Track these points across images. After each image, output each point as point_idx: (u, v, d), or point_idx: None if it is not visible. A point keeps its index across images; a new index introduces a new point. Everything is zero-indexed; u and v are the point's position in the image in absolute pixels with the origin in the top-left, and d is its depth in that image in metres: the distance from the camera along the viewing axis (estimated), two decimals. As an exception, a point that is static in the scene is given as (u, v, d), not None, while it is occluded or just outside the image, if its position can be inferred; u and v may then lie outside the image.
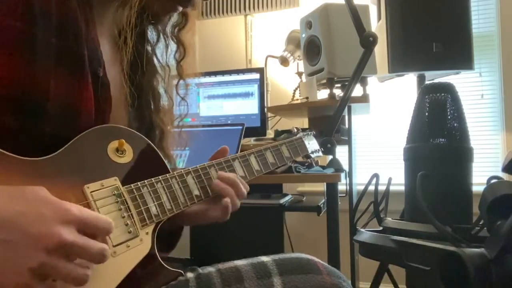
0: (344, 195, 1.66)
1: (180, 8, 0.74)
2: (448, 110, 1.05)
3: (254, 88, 2.00)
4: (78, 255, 0.46)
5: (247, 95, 2.01)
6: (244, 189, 0.76)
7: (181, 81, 0.81)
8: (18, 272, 0.42)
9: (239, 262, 0.71)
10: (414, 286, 1.11)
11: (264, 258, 0.71)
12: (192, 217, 0.77)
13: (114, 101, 0.66)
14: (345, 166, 1.63)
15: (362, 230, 1.13)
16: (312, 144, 1.01)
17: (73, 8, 0.58)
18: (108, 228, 0.49)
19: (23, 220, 0.43)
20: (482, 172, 1.94)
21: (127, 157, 0.64)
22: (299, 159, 0.98)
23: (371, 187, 1.22)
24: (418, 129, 1.08)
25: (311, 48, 1.78)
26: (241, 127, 1.77)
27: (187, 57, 0.80)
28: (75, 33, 0.58)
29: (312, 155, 1.00)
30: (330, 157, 1.59)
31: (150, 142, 0.68)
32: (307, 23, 1.78)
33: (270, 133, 1.99)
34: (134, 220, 0.60)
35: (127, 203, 0.60)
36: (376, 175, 1.23)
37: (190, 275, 0.69)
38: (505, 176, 1.35)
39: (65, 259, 0.44)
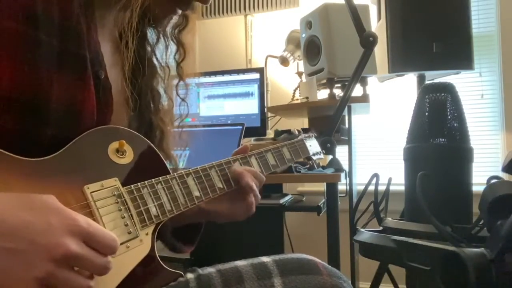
0: (344, 195, 1.66)
1: (180, 11, 0.74)
2: (448, 110, 1.05)
3: (254, 88, 2.00)
4: (82, 266, 0.46)
5: (247, 95, 2.01)
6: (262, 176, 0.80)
7: (181, 82, 0.81)
8: (24, 281, 0.42)
9: (239, 263, 0.71)
10: (414, 286, 1.11)
11: (265, 259, 0.71)
12: (218, 214, 0.79)
13: (115, 102, 0.66)
14: (345, 166, 1.63)
15: (362, 230, 1.13)
16: (313, 146, 1.01)
17: (74, 10, 0.58)
18: (113, 245, 0.48)
19: (31, 230, 0.43)
20: (482, 172, 1.95)
21: (128, 158, 0.64)
22: (300, 160, 0.98)
23: (371, 187, 1.22)
24: (418, 129, 1.08)
25: (311, 48, 1.78)
26: (241, 127, 1.77)
27: (187, 58, 0.79)
28: (76, 35, 0.58)
29: (314, 157, 1.00)
30: (330, 157, 1.59)
31: (150, 143, 0.68)
32: (307, 23, 1.78)
33: (270, 133, 1.99)
34: (134, 221, 0.60)
35: (127, 204, 0.60)
36: (376, 175, 1.23)
37: (190, 276, 0.69)
38: (505, 176, 1.35)
39: (70, 270, 0.45)
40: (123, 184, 0.61)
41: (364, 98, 1.69)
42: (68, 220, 0.45)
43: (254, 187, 0.76)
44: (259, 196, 0.79)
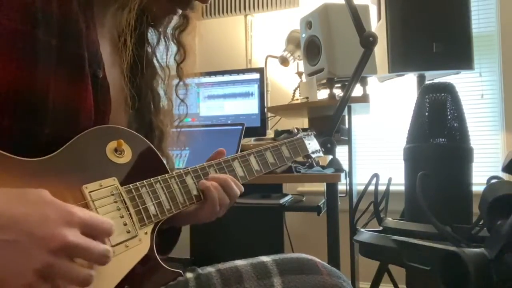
0: (344, 195, 1.66)
1: (180, 11, 0.73)
2: (448, 110, 1.05)
3: (254, 88, 2.00)
4: (82, 256, 0.46)
5: (247, 95, 2.01)
6: (237, 189, 0.75)
7: (181, 83, 0.81)
8: (23, 273, 0.42)
9: (239, 262, 0.71)
10: (414, 286, 1.11)
11: (264, 258, 0.71)
12: (183, 218, 0.75)
13: (114, 102, 0.65)
14: (345, 166, 1.63)
15: (362, 230, 1.13)
16: (312, 144, 1.01)
17: (73, 10, 0.58)
18: (110, 229, 0.49)
19: (28, 222, 0.43)
20: (482, 172, 1.94)
21: (126, 157, 0.64)
22: (300, 159, 0.98)
23: (371, 187, 1.22)
24: (418, 129, 1.08)
25: (311, 48, 1.78)
26: (241, 127, 1.77)
27: (187, 59, 0.79)
28: (75, 35, 0.58)
29: (313, 155, 1.00)
30: (330, 157, 1.59)
31: (149, 143, 0.68)
32: (307, 23, 1.78)
33: (270, 133, 1.99)
34: (132, 220, 0.60)
35: (125, 203, 0.60)
36: (376, 175, 1.23)
37: (189, 275, 0.69)
38: (505, 176, 1.35)
39: (69, 261, 0.45)
40: (122, 184, 0.61)
41: (364, 98, 1.69)
42: (64, 211, 0.45)
43: (211, 188, 0.71)
44: (226, 202, 0.73)
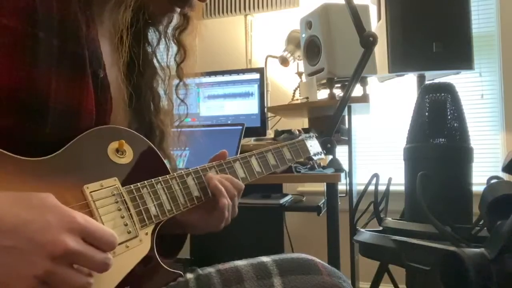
0: (344, 195, 1.66)
1: (178, 9, 0.73)
2: (448, 110, 1.05)
3: (254, 88, 2.00)
4: (82, 263, 0.46)
5: (247, 95, 2.01)
6: (239, 181, 0.77)
7: (181, 83, 0.81)
8: (23, 279, 0.42)
9: (239, 263, 0.71)
10: (414, 286, 1.11)
11: (264, 259, 0.71)
12: (193, 225, 0.75)
13: (114, 102, 0.65)
14: (345, 166, 1.63)
15: (362, 230, 1.14)
16: (314, 146, 1.01)
17: (73, 9, 0.58)
18: (112, 241, 0.48)
19: (29, 228, 0.43)
20: (482, 172, 1.94)
21: (127, 158, 0.64)
22: (301, 160, 0.98)
23: (371, 187, 1.22)
24: (418, 129, 1.08)
25: (311, 48, 1.78)
26: (241, 127, 1.77)
27: (187, 60, 0.79)
28: (76, 34, 0.58)
29: (314, 158, 1.00)
30: (330, 157, 1.59)
31: (150, 143, 0.68)
32: (307, 23, 1.78)
33: (270, 133, 1.99)
34: (133, 221, 0.60)
35: (126, 204, 0.60)
36: (376, 175, 1.23)
37: (189, 275, 0.69)
38: (505, 176, 1.35)
39: (69, 267, 0.45)
40: (123, 184, 0.61)
41: (364, 98, 1.69)
42: (66, 217, 0.45)
43: (223, 191, 0.71)
44: (231, 203, 0.73)
